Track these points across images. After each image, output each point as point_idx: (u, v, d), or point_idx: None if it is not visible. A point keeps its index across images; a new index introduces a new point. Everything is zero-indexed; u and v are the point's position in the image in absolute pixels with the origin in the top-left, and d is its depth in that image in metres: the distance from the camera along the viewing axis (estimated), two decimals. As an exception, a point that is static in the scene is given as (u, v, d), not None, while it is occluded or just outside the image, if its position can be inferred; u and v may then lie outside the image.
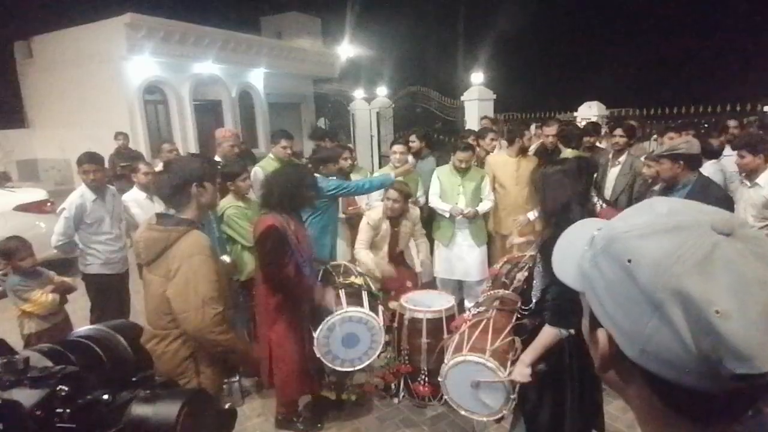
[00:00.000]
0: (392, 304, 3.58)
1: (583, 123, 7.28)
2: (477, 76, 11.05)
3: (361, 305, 3.06)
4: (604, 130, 6.55)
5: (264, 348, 3.07)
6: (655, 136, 7.31)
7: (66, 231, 3.79)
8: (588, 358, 0.63)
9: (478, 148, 5.09)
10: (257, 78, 14.76)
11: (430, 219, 4.65)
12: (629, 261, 0.51)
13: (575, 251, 0.62)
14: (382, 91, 13.85)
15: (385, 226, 3.91)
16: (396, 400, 3.53)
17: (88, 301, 4.07)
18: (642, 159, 4.56)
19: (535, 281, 2.38)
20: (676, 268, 0.48)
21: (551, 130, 5.14)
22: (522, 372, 2.26)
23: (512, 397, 2.40)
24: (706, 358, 0.47)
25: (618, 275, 0.53)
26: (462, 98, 11.23)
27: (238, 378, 3.62)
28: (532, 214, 4.04)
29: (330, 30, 18.57)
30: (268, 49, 14.63)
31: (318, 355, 2.97)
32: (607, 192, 4.68)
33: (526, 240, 3.58)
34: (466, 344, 2.57)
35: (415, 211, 4.19)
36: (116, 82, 11.24)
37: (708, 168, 3.94)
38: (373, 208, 4.20)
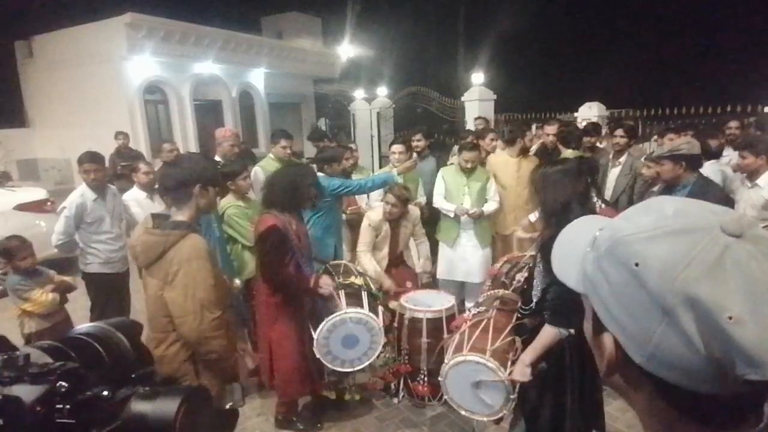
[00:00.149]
0: (392, 304, 3.58)
1: (584, 123, 7.28)
2: (477, 77, 11.06)
3: (361, 306, 3.06)
4: (604, 131, 6.55)
5: (264, 347, 3.08)
6: (655, 137, 7.31)
7: (66, 230, 3.80)
8: (588, 357, 0.62)
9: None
10: (257, 78, 14.77)
11: (432, 219, 4.64)
12: (636, 265, 0.50)
13: (576, 252, 0.60)
14: (382, 91, 13.86)
15: (386, 226, 3.91)
16: (396, 400, 3.53)
17: (89, 301, 4.07)
18: (642, 160, 4.56)
19: (535, 281, 2.38)
20: (686, 273, 0.47)
21: (552, 129, 5.15)
22: (522, 371, 2.26)
23: (512, 397, 2.40)
24: (718, 364, 0.46)
25: (624, 279, 0.51)
26: (462, 98, 11.24)
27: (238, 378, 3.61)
28: (533, 216, 4.02)
29: (330, 30, 18.58)
30: (268, 49, 14.65)
31: (318, 356, 2.97)
32: (608, 192, 4.68)
33: (530, 236, 3.58)
34: (467, 344, 2.57)
35: (414, 212, 4.18)
36: (117, 81, 11.25)
37: (707, 168, 3.94)
38: (374, 208, 4.20)
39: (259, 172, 4.37)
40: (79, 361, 0.62)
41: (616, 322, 0.52)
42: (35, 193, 6.81)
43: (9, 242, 3.35)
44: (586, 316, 0.60)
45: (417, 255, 4.33)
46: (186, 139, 12.40)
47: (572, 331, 2.16)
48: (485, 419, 2.60)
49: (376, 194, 4.67)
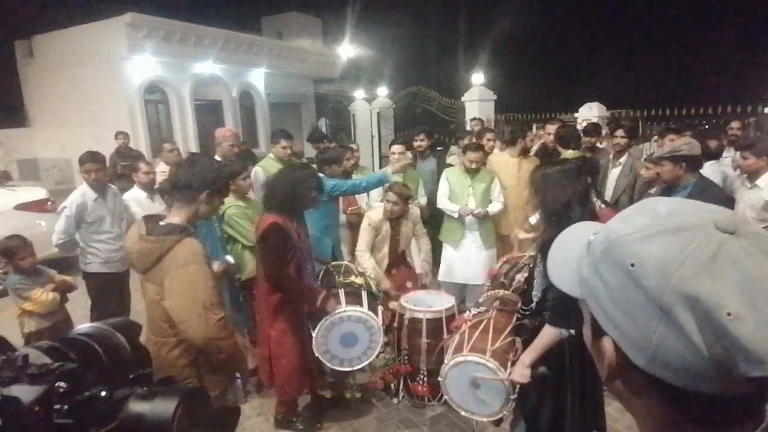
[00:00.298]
0: (392, 304, 3.58)
1: (584, 124, 7.28)
2: (478, 77, 11.07)
3: (361, 305, 3.06)
4: (604, 131, 6.55)
5: (263, 347, 3.08)
6: (655, 137, 7.31)
7: (67, 229, 3.80)
8: (589, 358, 0.62)
9: None
10: (258, 78, 14.78)
11: (433, 220, 4.63)
12: (632, 265, 0.49)
13: (571, 257, 0.60)
14: (382, 91, 13.87)
15: (386, 226, 3.91)
16: (395, 401, 3.53)
17: (89, 300, 4.07)
18: (641, 161, 4.56)
19: (535, 281, 2.38)
20: (682, 271, 0.47)
21: (554, 128, 5.15)
22: (522, 372, 2.26)
23: (512, 397, 2.41)
24: (719, 363, 0.45)
25: (621, 281, 0.50)
26: (463, 99, 11.24)
27: (239, 376, 3.61)
28: (534, 218, 4.00)
29: (331, 30, 18.60)
30: (268, 49, 14.66)
31: (316, 354, 2.97)
32: (608, 193, 4.68)
33: (531, 237, 3.58)
34: (467, 344, 2.57)
35: (415, 211, 4.18)
36: (117, 81, 11.25)
37: (707, 169, 3.94)
38: (374, 209, 4.20)
39: (259, 172, 4.37)
40: (78, 362, 0.62)
41: (615, 325, 0.52)
42: (36, 192, 6.81)
43: (9, 242, 3.35)
44: (584, 321, 0.60)
45: (418, 253, 4.31)
46: (186, 139, 12.40)
47: (573, 331, 2.16)
48: (485, 420, 2.60)
49: (376, 194, 4.67)
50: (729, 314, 0.45)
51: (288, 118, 16.14)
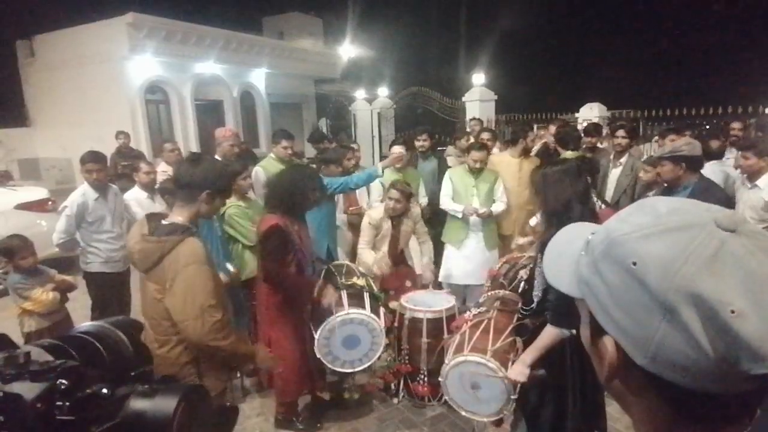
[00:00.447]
0: (392, 304, 3.58)
1: (585, 124, 7.28)
2: (478, 77, 11.08)
3: (363, 307, 3.06)
4: (605, 131, 6.55)
5: (263, 347, 3.07)
6: (656, 137, 7.32)
7: (67, 229, 3.81)
8: (589, 358, 0.62)
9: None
10: (259, 78, 14.80)
11: (435, 220, 4.62)
12: (634, 264, 0.49)
13: (568, 257, 0.59)
14: (383, 91, 13.89)
15: (387, 225, 3.91)
16: (396, 401, 3.53)
17: (89, 299, 4.07)
18: (641, 161, 4.56)
19: (536, 281, 2.38)
20: (686, 269, 0.47)
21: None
22: (521, 372, 2.25)
23: (513, 397, 2.40)
24: (722, 360, 0.45)
25: (622, 280, 0.50)
26: (463, 99, 11.25)
27: (239, 375, 3.62)
28: (534, 220, 3.98)
29: (331, 30, 18.62)
30: (269, 50, 14.67)
31: (318, 356, 2.97)
32: (609, 193, 4.68)
33: (529, 241, 3.58)
34: (467, 344, 2.57)
35: (415, 210, 4.17)
36: (118, 81, 11.27)
37: (708, 169, 3.94)
38: (374, 208, 4.20)
39: (260, 172, 4.37)
40: (79, 360, 0.62)
41: (616, 324, 0.52)
42: (36, 192, 6.82)
43: (10, 241, 3.35)
44: (582, 320, 0.60)
45: (420, 254, 4.30)
46: (187, 139, 12.42)
47: (574, 331, 2.16)
48: (485, 420, 2.60)
49: (377, 195, 4.67)
50: (733, 312, 0.45)
51: (289, 118, 16.16)
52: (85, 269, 4.00)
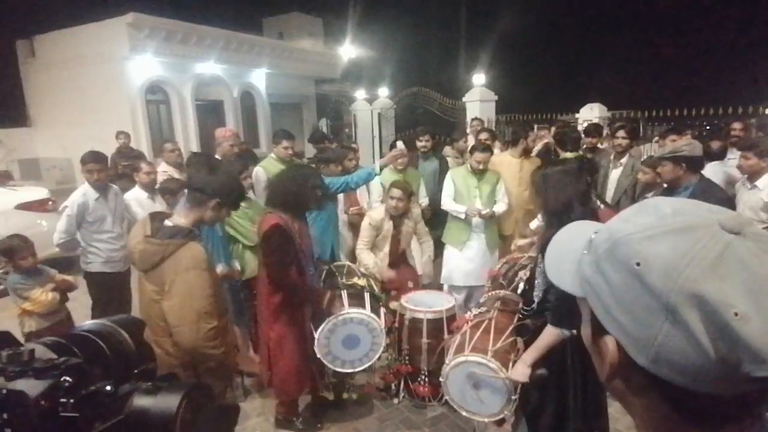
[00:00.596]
0: (393, 304, 3.58)
1: (585, 124, 7.28)
2: (479, 77, 11.07)
3: (363, 307, 3.06)
4: (605, 132, 6.55)
5: (264, 347, 3.08)
6: (656, 138, 7.32)
7: (68, 228, 3.81)
8: (590, 358, 0.61)
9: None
10: (259, 78, 14.80)
11: (436, 220, 4.62)
12: (638, 264, 0.49)
13: (571, 256, 0.59)
14: (383, 91, 13.88)
15: (387, 225, 3.91)
16: (396, 401, 3.53)
17: (90, 299, 4.07)
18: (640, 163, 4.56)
19: (537, 281, 2.38)
20: (689, 270, 0.47)
21: None
22: (522, 372, 2.26)
23: (513, 397, 2.40)
24: (724, 362, 0.45)
25: (625, 280, 0.50)
26: (464, 99, 11.24)
27: (239, 376, 3.62)
28: (535, 223, 3.95)
29: (332, 30, 18.63)
30: (269, 50, 14.68)
31: (318, 356, 2.97)
32: (609, 194, 4.68)
33: (529, 242, 3.57)
34: (468, 345, 2.57)
35: (416, 210, 4.17)
36: (118, 81, 11.27)
37: (709, 169, 3.94)
38: (374, 209, 4.19)
39: (260, 172, 4.37)
40: (82, 357, 0.62)
41: (618, 324, 0.52)
42: (37, 192, 6.81)
43: (10, 241, 3.35)
44: (583, 319, 0.60)
45: (420, 254, 4.30)
46: (187, 139, 12.42)
47: (574, 332, 2.16)
48: (486, 420, 2.59)
49: (377, 195, 4.68)
50: (736, 314, 0.45)
51: (289, 118, 16.17)
52: (85, 269, 4.00)
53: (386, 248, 3.95)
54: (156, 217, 2.18)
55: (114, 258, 3.99)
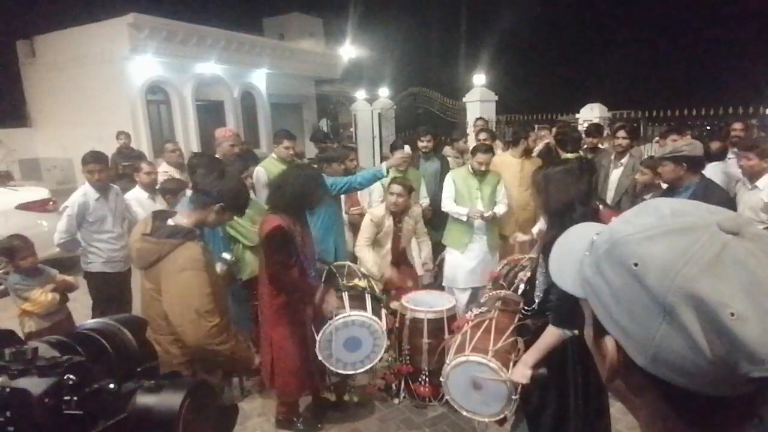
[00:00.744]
0: (393, 305, 3.58)
1: (585, 125, 7.28)
2: (479, 78, 11.07)
3: (364, 309, 3.05)
4: (606, 132, 6.55)
5: (266, 348, 3.08)
6: (657, 138, 7.32)
7: (68, 228, 3.81)
8: (592, 359, 0.61)
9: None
10: (259, 78, 14.82)
11: (437, 220, 4.61)
12: (636, 264, 0.49)
13: (573, 257, 0.60)
14: (383, 92, 13.88)
15: (388, 223, 3.90)
16: (396, 401, 3.53)
17: (90, 299, 4.08)
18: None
19: (537, 281, 2.38)
20: (686, 270, 0.47)
21: None
22: (523, 373, 2.25)
23: (514, 398, 2.40)
24: (721, 363, 0.45)
25: (624, 280, 0.50)
26: (464, 99, 11.24)
27: (237, 376, 3.62)
28: (537, 228, 3.92)
29: (332, 31, 18.65)
30: (270, 50, 14.70)
31: (320, 358, 2.97)
32: (610, 194, 4.68)
33: (530, 238, 3.57)
34: (469, 344, 2.57)
35: (416, 209, 4.17)
36: (119, 81, 11.29)
37: (710, 170, 3.94)
38: (375, 207, 4.19)
39: (261, 173, 4.37)
40: (86, 356, 0.63)
41: (617, 325, 0.52)
42: (37, 192, 6.82)
43: (11, 241, 3.35)
44: (586, 320, 0.60)
45: (419, 253, 4.30)
46: (188, 139, 12.43)
47: (575, 332, 2.16)
48: (487, 420, 2.59)
49: (378, 195, 4.68)
50: (732, 314, 0.45)
51: (289, 118, 16.19)
52: (86, 269, 4.01)
53: (388, 245, 3.94)
54: (159, 216, 2.19)
55: (114, 258, 3.99)
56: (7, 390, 0.52)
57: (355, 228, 4.56)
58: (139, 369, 0.67)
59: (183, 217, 2.17)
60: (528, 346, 2.34)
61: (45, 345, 0.61)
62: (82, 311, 4.22)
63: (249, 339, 3.84)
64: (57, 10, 13.81)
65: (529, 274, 2.73)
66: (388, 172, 3.85)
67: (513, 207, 4.55)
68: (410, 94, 13.08)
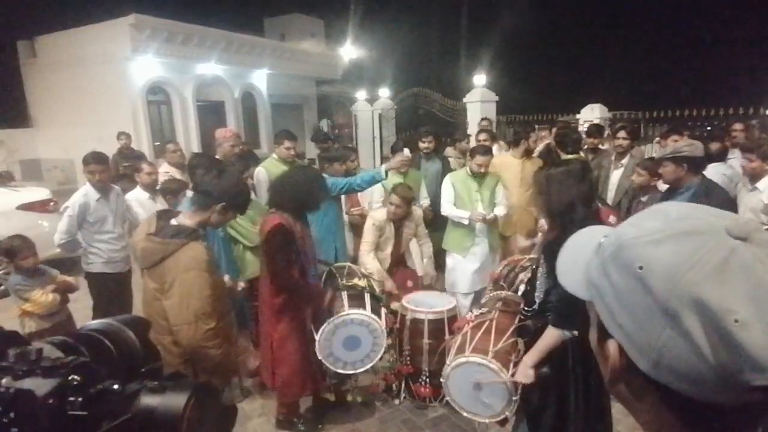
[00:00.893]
0: (394, 305, 3.58)
1: (586, 125, 7.28)
2: (479, 78, 11.06)
3: (364, 308, 3.05)
4: (606, 132, 6.55)
5: (266, 348, 3.08)
6: (657, 139, 7.31)
7: (69, 229, 3.81)
8: (594, 361, 0.61)
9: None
10: (260, 79, 14.83)
11: (437, 221, 4.61)
12: (640, 268, 0.49)
13: (581, 260, 0.59)
14: (384, 92, 13.87)
15: (390, 227, 3.91)
16: (397, 402, 3.53)
17: (91, 300, 4.08)
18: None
19: (538, 282, 2.38)
20: (691, 275, 0.46)
21: None
22: (525, 373, 2.26)
23: (514, 398, 2.40)
24: (724, 370, 0.45)
25: (629, 283, 0.50)
26: (464, 100, 11.24)
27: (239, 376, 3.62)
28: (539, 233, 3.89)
29: (333, 31, 18.68)
30: (271, 51, 14.72)
31: (319, 357, 2.97)
32: (610, 194, 4.68)
33: (531, 243, 3.57)
34: (469, 345, 2.57)
35: (417, 212, 4.17)
36: (120, 82, 11.30)
37: (711, 170, 3.93)
38: (376, 209, 4.19)
39: (262, 173, 4.37)
40: (90, 356, 0.63)
41: (621, 328, 0.51)
42: (38, 193, 6.82)
43: (12, 242, 3.35)
44: (591, 323, 0.60)
45: (420, 256, 4.30)
46: (189, 140, 12.44)
47: (576, 333, 2.16)
48: (487, 421, 2.59)
49: (378, 196, 4.68)
50: (736, 321, 0.44)
51: (290, 119, 16.20)
52: (86, 270, 4.01)
53: (389, 249, 3.94)
54: (163, 216, 2.20)
55: (115, 258, 4.00)
56: (12, 391, 0.52)
57: (355, 228, 4.56)
58: (142, 370, 0.67)
59: (186, 217, 2.18)
60: (528, 347, 2.34)
61: (49, 346, 0.61)
62: (82, 312, 4.22)
63: (249, 339, 3.85)
64: (58, 10, 13.85)
65: (529, 274, 2.73)
66: (387, 174, 3.83)
67: (513, 207, 4.55)
68: (411, 95, 13.08)
